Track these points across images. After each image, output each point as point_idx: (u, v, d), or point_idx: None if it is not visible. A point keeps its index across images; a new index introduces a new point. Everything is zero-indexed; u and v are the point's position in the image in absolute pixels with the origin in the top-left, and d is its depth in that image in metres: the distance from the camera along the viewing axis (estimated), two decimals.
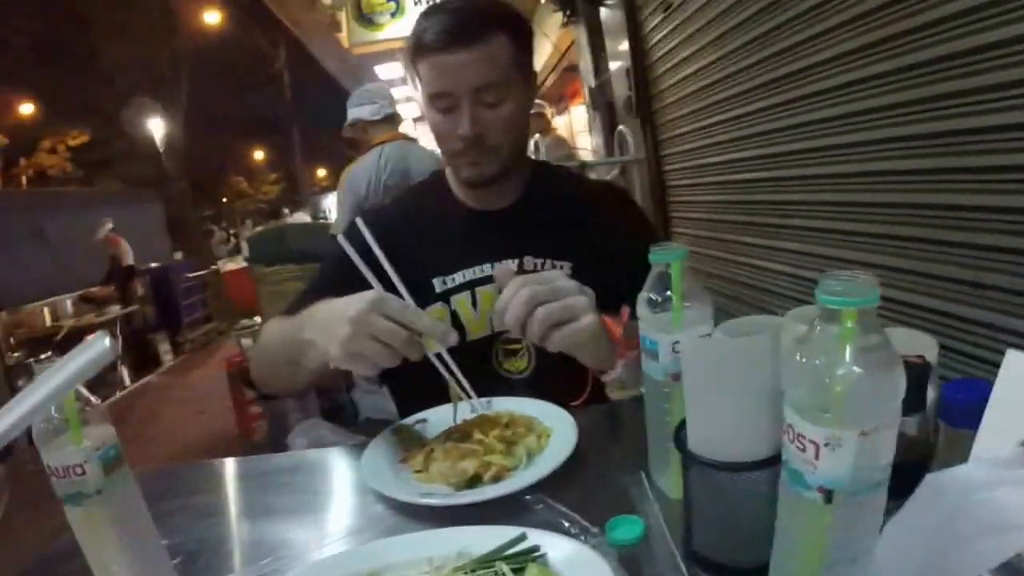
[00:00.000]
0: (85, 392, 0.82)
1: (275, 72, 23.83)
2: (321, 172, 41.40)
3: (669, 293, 0.86)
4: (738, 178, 3.29)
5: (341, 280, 1.23)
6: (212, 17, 16.91)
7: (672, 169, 4.38)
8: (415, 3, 6.61)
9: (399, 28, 6.72)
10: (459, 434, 1.14)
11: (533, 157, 5.15)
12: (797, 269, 2.81)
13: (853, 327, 0.55)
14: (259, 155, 37.92)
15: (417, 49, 1.40)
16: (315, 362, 1.21)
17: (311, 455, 1.39)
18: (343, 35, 6.78)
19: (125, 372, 9.19)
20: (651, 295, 0.89)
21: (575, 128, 8.91)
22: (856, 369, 0.55)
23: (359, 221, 1.28)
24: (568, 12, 5.51)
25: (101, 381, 8.64)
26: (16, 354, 8.00)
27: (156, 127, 16.71)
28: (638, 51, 4.47)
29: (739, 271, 3.48)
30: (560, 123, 9.58)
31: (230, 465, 1.35)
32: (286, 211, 14.58)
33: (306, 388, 1.41)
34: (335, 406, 3.33)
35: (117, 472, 0.82)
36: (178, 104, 15.96)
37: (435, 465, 1.06)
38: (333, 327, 1.11)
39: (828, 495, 0.57)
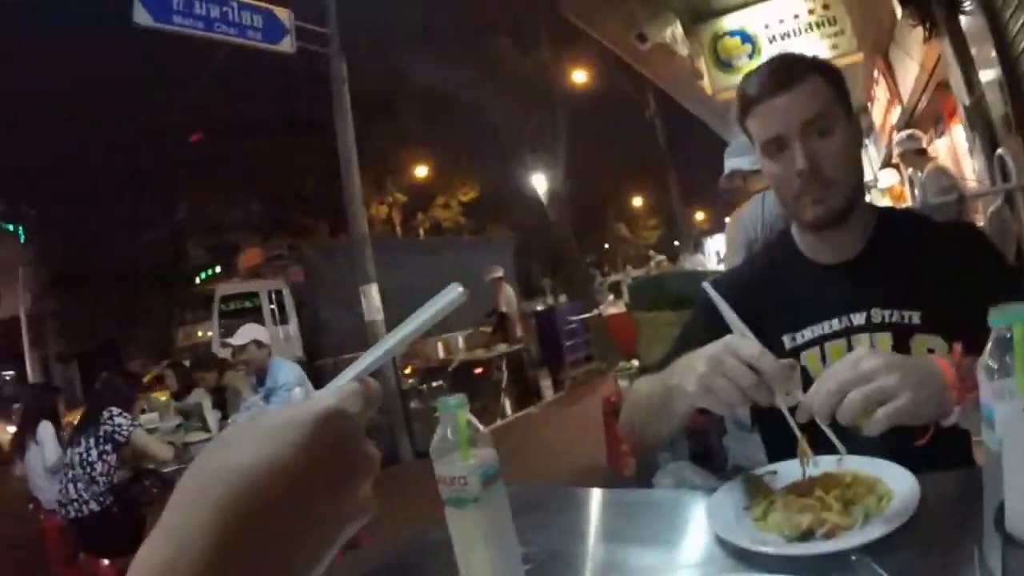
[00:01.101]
0: (475, 421, 1.00)
1: (647, 120, 24.62)
2: (699, 215, 41.58)
3: (1009, 358, 0.82)
4: None
5: (709, 328, 1.33)
6: (580, 76, 18.02)
7: None
8: (770, 41, 6.51)
9: None
10: (802, 488, 1.16)
11: (917, 195, 4.82)
12: None
13: None
14: (638, 201, 39.17)
15: (743, 105, 1.52)
16: (680, 404, 1.32)
17: (670, 494, 1.51)
18: (705, 82, 6.88)
19: (508, 403, 10.07)
20: (990, 361, 0.84)
21: (958, 151, 8.05)
22: None
23: (708, 286, 1.35)
24: (927, 25, 5.07)
25: (485, 410, 9.68)
26: (411, 380, 9.17)
27: (538, 179, 18.07)
28: (1008, 58, 3.97)
29: None
30: (941, 147, 8.72)
31: (594, 493, 1.50)
32: (684, 255, 14.95)
33: (669, 436, 1.49)
34: (705, 450, 3.37)
35: (493, 487, 0.99)
36: (558, 156, 17.18)
37: (773, 515, 1.10)
38: (693, 365, 1.22)
39: None
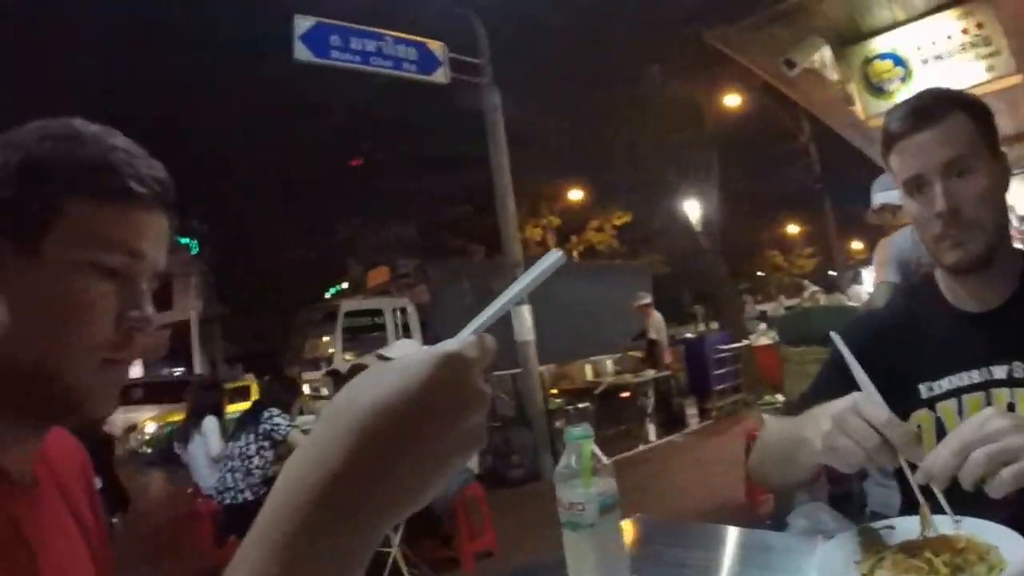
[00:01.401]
0: (599, 451, 1.05)
1: (800, 146, 23.87)
2: (856, 245, 39.77)
3: None
4: None
5: (843, 372, 1.29)
6: (732, 100, 17.75)
7: None
8: (923, 63, 6.14)
9: (911, 93, 6.32)
10: (914, 548, 1.12)
11: None
12: None
13: None
14: (792, 229, 37.91)
15: (886, 140, 1.49)
16: (806, 457, 1.30)
17: (796, 538, 1.52)
18: (857, 107, 6.60)
19: (652, 429, 10.02)
20: None
21: None
22: None
23: (835, 336, 1.33)
24: None
25: (629, 434, 9.80)
26: (558, 401, 9.33)
27: (691, 206, 17.83)
28: None
29: None
30: None
31: (718, 530, 1.51)
32: (842, 286, 14.39)
33: (797, 483, 1.49)
34: (844, 493, 3.27)
35: (609, 516, 1.04)
36: (710, 181, 16.89)
37: (880, 573, 1.08)
38: (819, 421, 1.20)
39: None
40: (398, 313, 14.72)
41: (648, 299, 11.55)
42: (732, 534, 1.48)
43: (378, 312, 14.82)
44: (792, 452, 1.35)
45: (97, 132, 0.84)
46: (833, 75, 6.32)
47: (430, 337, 13.76)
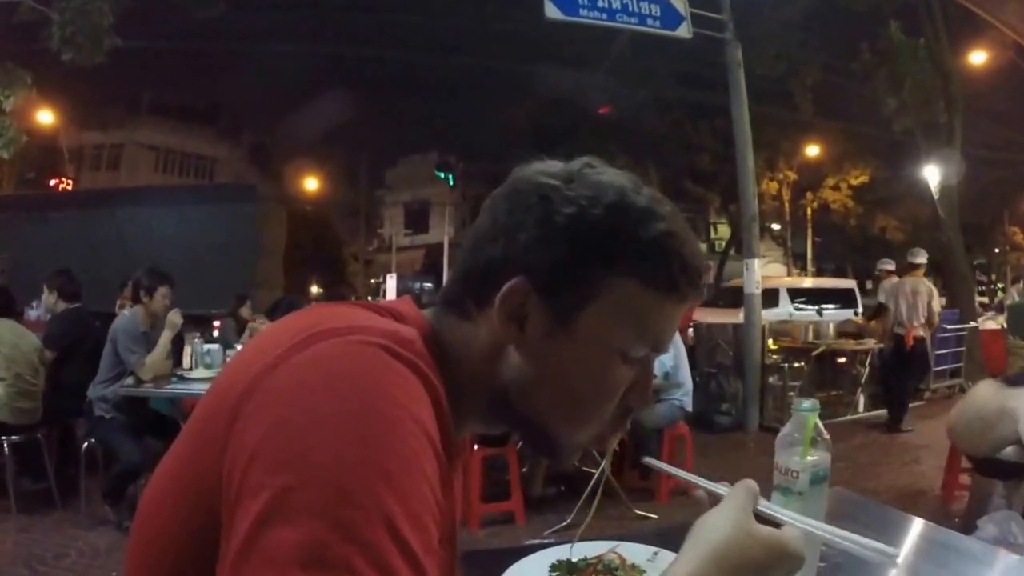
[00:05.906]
0: (821, 426, 1.10)
1: None
2: None
3: None
4: None
5: None
6: (978, 62, 16.29)
7: None
8: None
9: None
10: None
11: None
12: None
13: None
14: None
15: None
16: (1011, 433, 1.38)
17: (983, 547, 1.48)
18: None
19: (862, 400, 9.88)
20: None
21: None
22: None
23: None
24: None
25: (840, 401, 9.79)
26: (775, 356, 9.46)
27: (930, 172, 16.61)
28: None
29: None
30: None
31: (906, 520, 1.53)
32: None
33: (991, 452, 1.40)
34: None
35: (819, 487, 1.08)
36: (953, 147, 15.62)
37: None
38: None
39: None
40: None
41: (890, 265, 10.16)
42: (921, 528, 1.51)
43: None
44: (995, 421, 1.37)
45: (649, 206, 0.81)
46: None
47: None
